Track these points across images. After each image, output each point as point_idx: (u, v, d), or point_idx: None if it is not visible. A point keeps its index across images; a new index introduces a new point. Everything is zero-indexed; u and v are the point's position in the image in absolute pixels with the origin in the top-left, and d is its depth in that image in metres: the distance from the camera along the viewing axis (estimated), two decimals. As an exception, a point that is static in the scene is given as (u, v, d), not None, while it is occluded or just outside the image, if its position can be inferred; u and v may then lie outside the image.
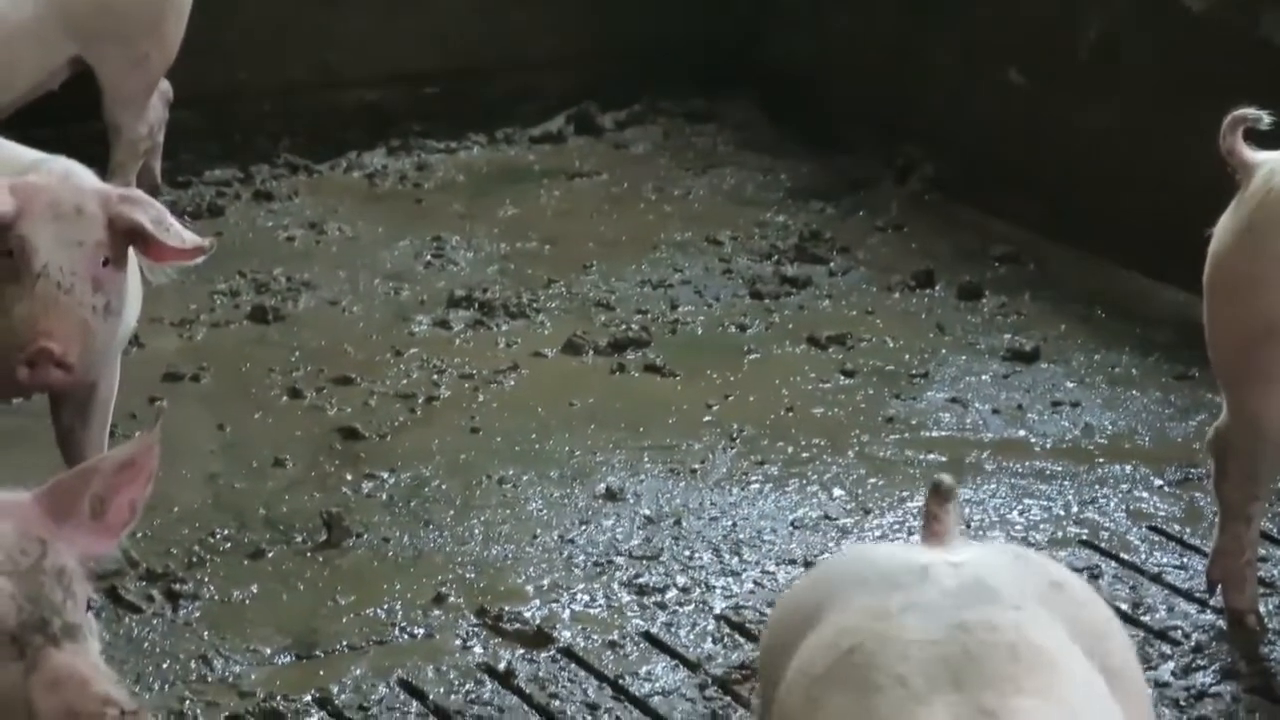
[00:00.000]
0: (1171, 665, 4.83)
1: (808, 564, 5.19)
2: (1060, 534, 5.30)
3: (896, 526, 5.37)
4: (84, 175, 4.91)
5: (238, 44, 7.07)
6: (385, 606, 4.99)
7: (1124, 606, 4.99)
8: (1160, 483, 5.51)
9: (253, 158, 7.07)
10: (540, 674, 4.80)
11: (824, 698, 2.93)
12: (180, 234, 4.77)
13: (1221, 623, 4.91)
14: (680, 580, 5.08)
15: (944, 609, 2.92)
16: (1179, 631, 4.93)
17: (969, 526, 5.35)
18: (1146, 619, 4.97)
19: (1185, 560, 5.17)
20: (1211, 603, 4.97)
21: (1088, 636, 3.00)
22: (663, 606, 5.03)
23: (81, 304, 4.62)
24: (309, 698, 4.68)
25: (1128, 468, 5.55)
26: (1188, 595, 5.04)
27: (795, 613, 3.18)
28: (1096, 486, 5.50)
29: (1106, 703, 2.91)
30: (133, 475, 3.42)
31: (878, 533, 5.34)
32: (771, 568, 5.21)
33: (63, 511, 3.33)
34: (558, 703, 4.72)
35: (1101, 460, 5.59)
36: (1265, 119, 4.54)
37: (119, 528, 3.42)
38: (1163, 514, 5.35)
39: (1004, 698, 2.75)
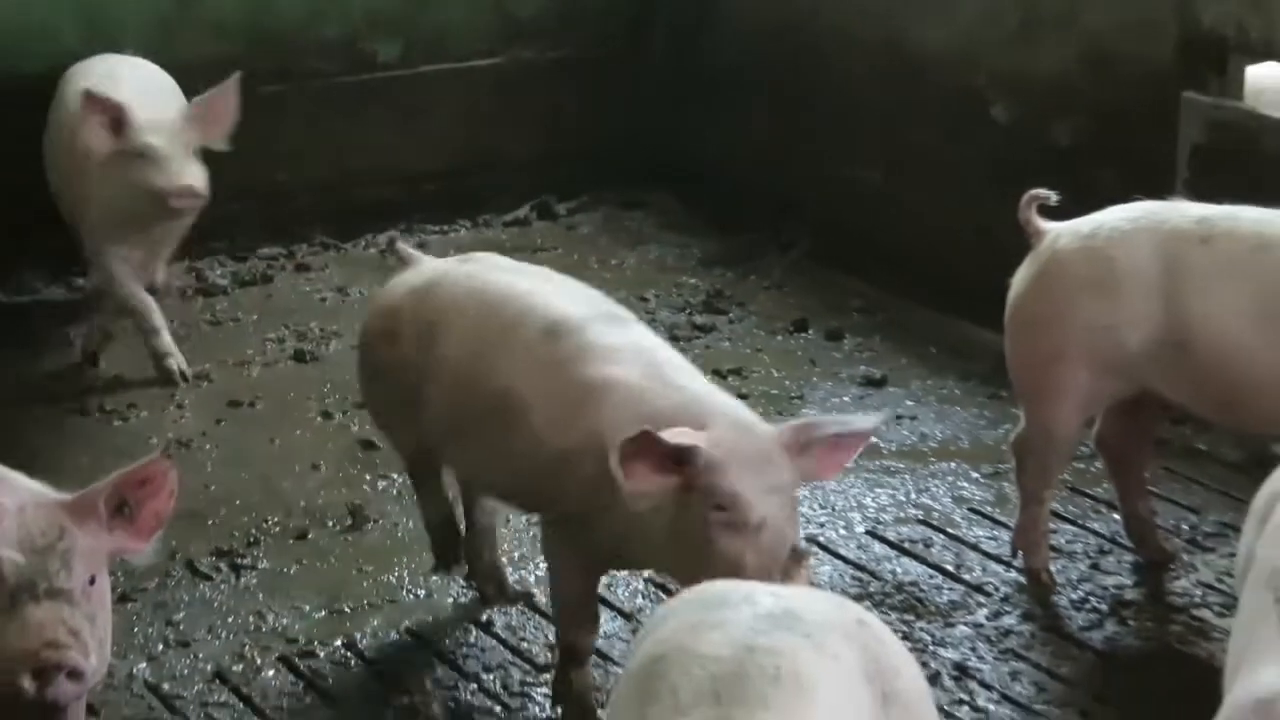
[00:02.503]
0: (985, 611, 4.86)
1: None
2: (902, 514, 5.36)
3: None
4: (755, 421, 3.94)
5: (285, 153, 6.97)
6: (396, 575, 5.06)
7: (950, 567, 5.09)
8: (977, 476, 5.59)
9: (295, 239, 7.05)
10: (512, 623, 4.80)
11: (619, 700, 2.84)
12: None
13: (1022, 579, 4.96)
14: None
15: (745, 630, 2.75)
16: (991, 585, 4.98)
17: (834, 510, 5.39)
18: (966, 577, 5.02)
19: (996, 533, 5.20)
20: (1015, 564, 5.02)
21: (877, 665, 2.83)
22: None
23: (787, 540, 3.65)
24: (338, 643, 4.70)
25: (953, 465, 5.66)
26: (997, 559, 5.09)
27: (648, 627, 3.04)
28: (929, 479, 5.57)
29: None
30: (154, 490, 3.44)
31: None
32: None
33: (84, 512, 3.35)
34: (525, 644, 4.71)
35: (933, 460, 5.71)
36: (1053, 198, 4.65)
37: (149, 533, 3.45)
38: (979, 499, 5.44)
39: (751, 713, 2.59)
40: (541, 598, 4.91)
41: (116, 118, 5.81)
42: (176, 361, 6.20)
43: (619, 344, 4.04)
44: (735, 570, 3.47)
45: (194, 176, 5.83)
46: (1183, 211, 4.61)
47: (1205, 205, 4.68)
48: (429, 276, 4.44)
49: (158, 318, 6.19)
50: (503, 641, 4.73)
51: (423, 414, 4.28)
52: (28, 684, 3.22)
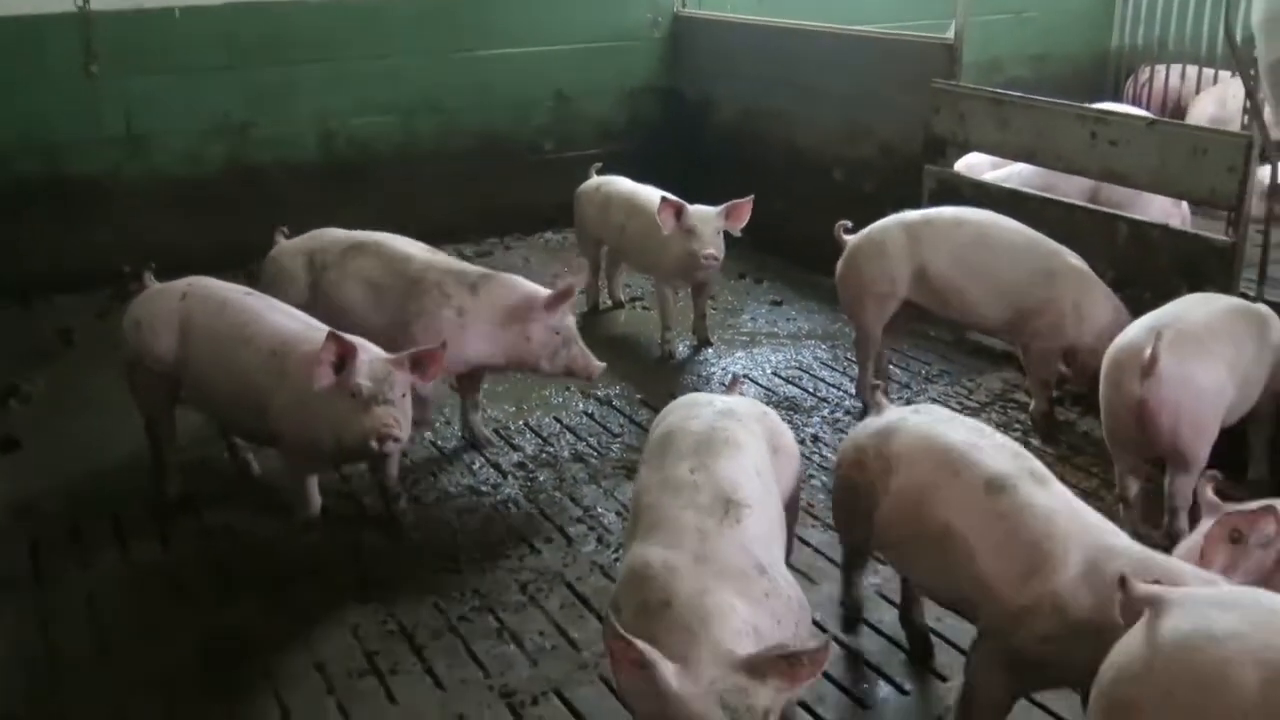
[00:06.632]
0: (827, 409, 4.69)
1: (719, 374, 5.03)
2: (789, 365, 5.17)
3: (732, 358, 5.23)
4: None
5: (496, 191, 6.96)
6: (565, 400, 4.89)
7: (810, 389, 4.89)
8: (824, 347, 5.37)
9: (505, 233, 6.70)
10: (602, 417, 4.67)
11: (649, 454, 2.74)
12: None
13: (849, 396, 4.80)
14: (671, 389, 4.90)
15: (709, 419, 2.74)
16: (832, 398, 4.81)
17: (756, 363, 5.18)
18: (818, 393, 4.85)
19: (833, 375, 5.04)
20: (846, 388, 4.89)
21: (772, 433, 2.85)
22: (672, 395, 4.86)
23: None
24: (538, 420, 4.63)
25: (813, 342, 5.47)
26: (834, 386, 4.93)
27: (660, 417, 2.93)
28: (803, 348, 5.35)
29: (765, 465, 2.69)
30: (432, 360, 3.42)
31: (737, 364, 5.20)
32: (689, 372, 5.08)
33: (398, 363, 3.34)
34: (607, 426, 4.58)
35: (804, 339, 5.50)
36: (850, 225, 4.65)
37: (430, 378, 3.46)
38: (825, 358, 5.24)
39: (714, 460, 2.58)
40: (618, 403, 4.78)
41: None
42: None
43: (1054, 506, 2.52)
44: None
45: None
46: (923, 211, 4.53)
47: (934, 209, 4.63)
48: (883, 422, 2.92)
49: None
50: (602, 426, 4.61)
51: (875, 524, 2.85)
52: (374, 445, 3.32)
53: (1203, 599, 1.98)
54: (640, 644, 2.05)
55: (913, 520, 2.71)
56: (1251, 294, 4.04)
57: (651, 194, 5.33)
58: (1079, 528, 2.48)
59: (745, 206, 4.99)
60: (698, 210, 4.95)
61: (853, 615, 3.31)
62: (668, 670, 2.04)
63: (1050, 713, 2.91)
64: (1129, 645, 1.99)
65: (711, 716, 2.00)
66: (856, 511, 2.90)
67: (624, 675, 2.10)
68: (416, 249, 4.34)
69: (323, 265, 4.28)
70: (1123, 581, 2.08)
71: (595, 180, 5.71)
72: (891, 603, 3.37)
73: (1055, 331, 4.19)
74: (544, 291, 4.08)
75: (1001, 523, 2.54)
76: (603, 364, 4.23)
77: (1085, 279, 4.19)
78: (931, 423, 2.85)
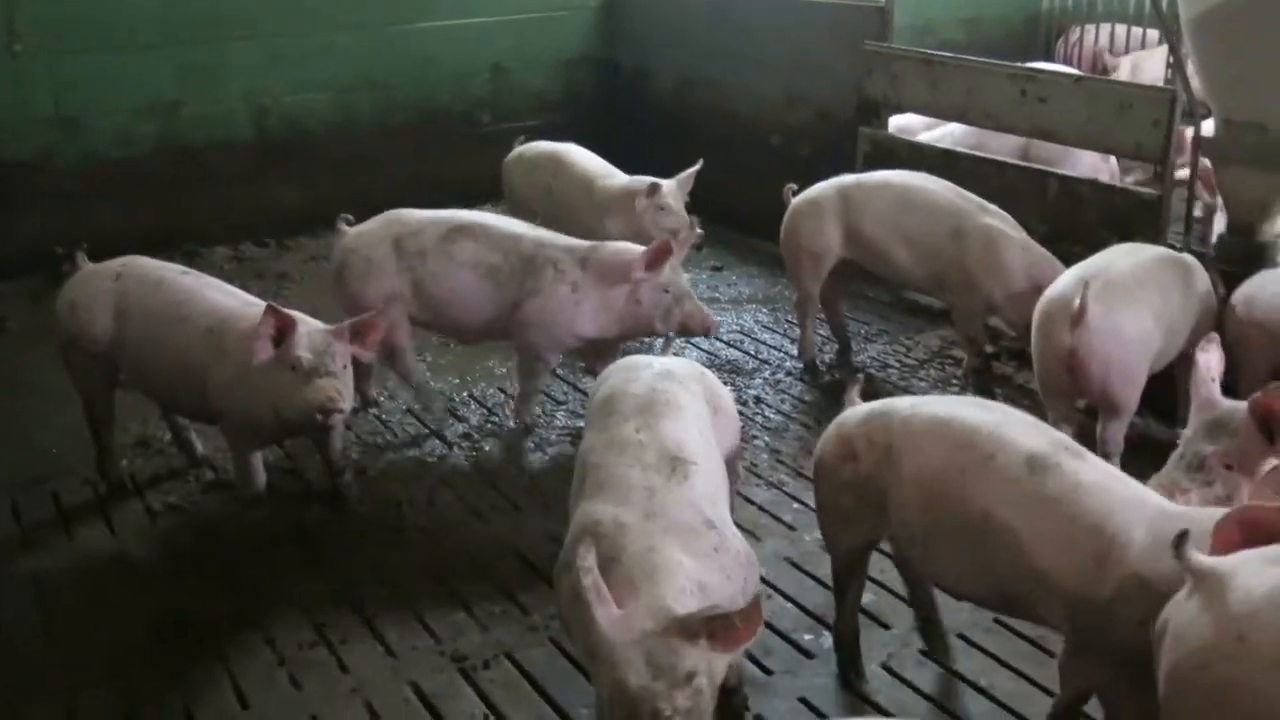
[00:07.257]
0: (768, 371, 4.72)
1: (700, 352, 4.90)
2: (730, 329, 5.16)
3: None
4: None
5: (435, 160, 6.90)
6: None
7: (751, 352, 4.91)
8: (765, 310, 5.39)
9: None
10: (555, 394, 4.65)
11: (592, 417, 2.73)
12: None
13: (790, 357, 4.83)
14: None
15: (649, 380, 2.74)
16: (773, 360, 4.84)
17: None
18: (760, 356, 4.87)
19: (774, 338, 5.07)
20: (787, 350, 4.91)
21: (711, 394, 2.84)
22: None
23: None
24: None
25: (754, 306, 5.49)
26: (775, 348, 4.96)
27: (600, 380, 2.93)
28: (744, 312, 5.33)
29: (706, 424, 2.69)
30: (371, 330, 3.42)
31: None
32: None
33: (339, 334, 3.35)
34: (555, 396, 4.58)
35: (745, 304, 5.52)
36: (795, 187, 4.65)
37: (370, 348, 3.45)
38: (766, 321, 5.27)
39: (657, 420, 2.58)
40: (561, 370, 4.76)
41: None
42: None
43: (1104, 481, 2.32)
44: None
45: None
46: (846, 179, 4.59)
47: (870, 173, 4.68)
48: (875, 409, 2.69)
49: None
50: (546, 394, 4.56)
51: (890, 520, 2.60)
52: (319, 417, 3.33)
53: (1253, 560, 1.84)
54: (589, 579, 2.04)
55: (934, 510, 2.43)
56: (1178, 245, 4.12)
57: (574, 152, 5.38)
58: (1135, 496, 2.26)
59: (693, 176, 5.10)
60: (669, 185, 4.98)
61: (854, 671, 2.89)
62: (602, 614, 2.04)
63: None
64: (1198, 626, 1.82)
65: (632, 667, 1.98)
66: (851, 510, 2.64)
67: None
68: (521, 227, 4.16)
69: (418, 251, 4.03)
70: (1179, 542, 1.90)
71: (518, 150, 5.67)
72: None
73: (970, 289, 4.19)
74: (641, 250, 3.95)
75: (1055, 507, 2.27)
76: (719, 319, 4.16)
77: (994, 238, 4.13)
78: (934, 401, 2.60)
